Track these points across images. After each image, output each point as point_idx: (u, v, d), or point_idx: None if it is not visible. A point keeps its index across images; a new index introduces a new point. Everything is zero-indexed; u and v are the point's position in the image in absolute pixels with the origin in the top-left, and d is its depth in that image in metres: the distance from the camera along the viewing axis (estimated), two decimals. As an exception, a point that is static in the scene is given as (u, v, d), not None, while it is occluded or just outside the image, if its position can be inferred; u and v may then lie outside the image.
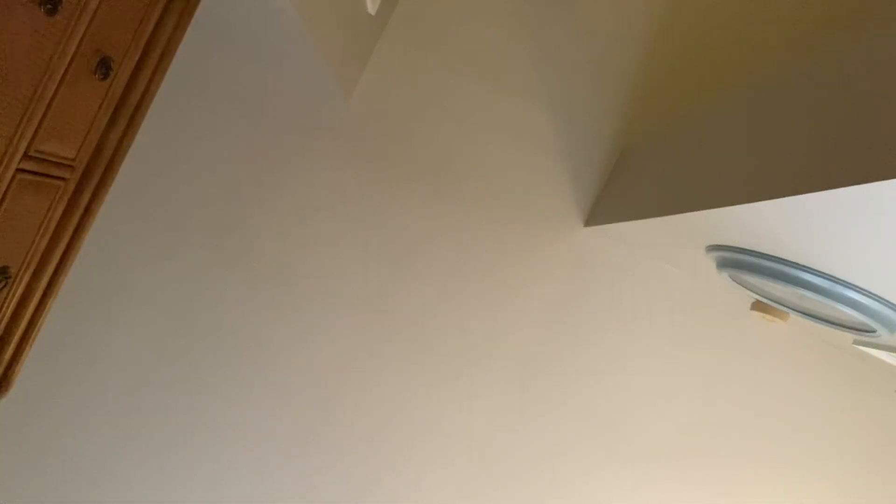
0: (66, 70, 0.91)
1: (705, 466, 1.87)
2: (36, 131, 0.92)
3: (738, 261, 1.12)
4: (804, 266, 0.98)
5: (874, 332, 1.06)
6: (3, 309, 1.07)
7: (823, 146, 0.69)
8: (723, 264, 1.19)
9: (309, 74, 1.74)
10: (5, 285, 1.02)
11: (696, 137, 1.21)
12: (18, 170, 0.92)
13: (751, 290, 1.29)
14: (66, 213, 1.11)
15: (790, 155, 0.76)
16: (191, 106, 1.79)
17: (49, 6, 0.80)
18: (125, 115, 1.12)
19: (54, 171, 1.03)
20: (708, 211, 0.94)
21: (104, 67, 0.98)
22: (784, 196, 0.71)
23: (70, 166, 1.06)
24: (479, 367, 1.83)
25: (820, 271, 0.96)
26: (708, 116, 1.20)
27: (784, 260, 1.01)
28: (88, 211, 1.14)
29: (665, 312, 1.85)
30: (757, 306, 1.33)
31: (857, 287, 0.94)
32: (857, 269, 0.88)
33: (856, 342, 1.45)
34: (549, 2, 1.80)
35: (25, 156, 0.92)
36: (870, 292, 0.94)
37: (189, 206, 1.80)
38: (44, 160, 0.98)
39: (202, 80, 1.79)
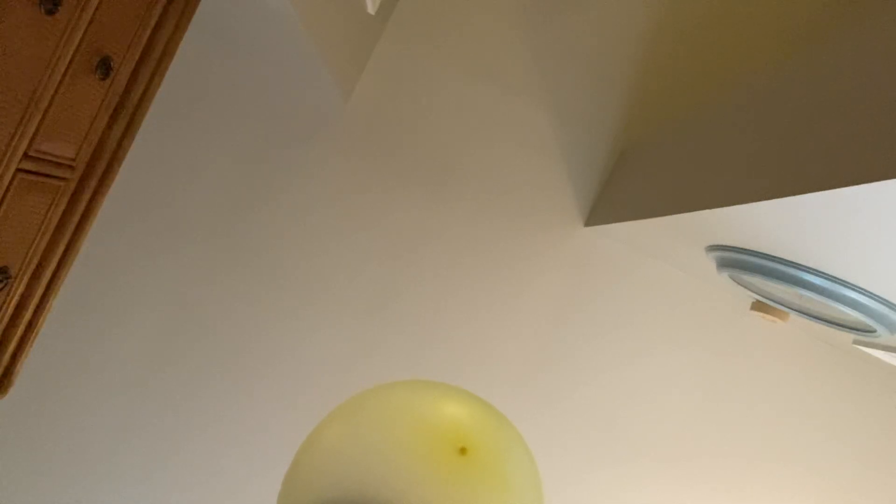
0: (66, 70, 0.91)
1: (705, 466, 1.87)
2: (36, 131, 0.92)
3: (738, 261, 1.12)
4: (804, 266, 0.98)
5: (874, 332, 1.06)
6: (3, 309, 1.07)
7: (823, 146, 0.69)
8: (723, 264, 1.19)
9: (308, 75, 1.74)
10: (5, 285, 1.02)
11: (696, 137, 1.21)
12: (18, 170, 0.92)
13: (751, 290, 1.29)
14: (66, 214, 1.11)
15: (790, 155, 0.76)
16: (191, 106, 1.79)
17: (49, 6, 0.80)
18: (125, 115, 1.12)
19: (54, 171, 1.03)
20: (708, 211, 0.94)
21: (104, 67, 0.98)
22: (784, 196, 0.71)
23: (70, 166, 1.06)
24: (480, 367, 1.83)
25: (820, 271, 0.96)
26: (708, 117, 1.20)
27: (784, 260, 1.01)
28: (88, 211, 1.14)
29: (665, 312, 1.85)
30: (757, 306, 1.33)
31: (857, 287, 0.94)
32: (857, 269, 0.88)
33: (856, 342, 1.45)
34: (550, 2, 1.80)
35: (25, 156, 0.92)
36: (870, 292, 0.94)
37: (189, 206, 1.80)
38: (44, 160, 0.98)
39: (202, 80, 1.79)
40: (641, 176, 1.48)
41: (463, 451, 0.59)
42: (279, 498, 0.63)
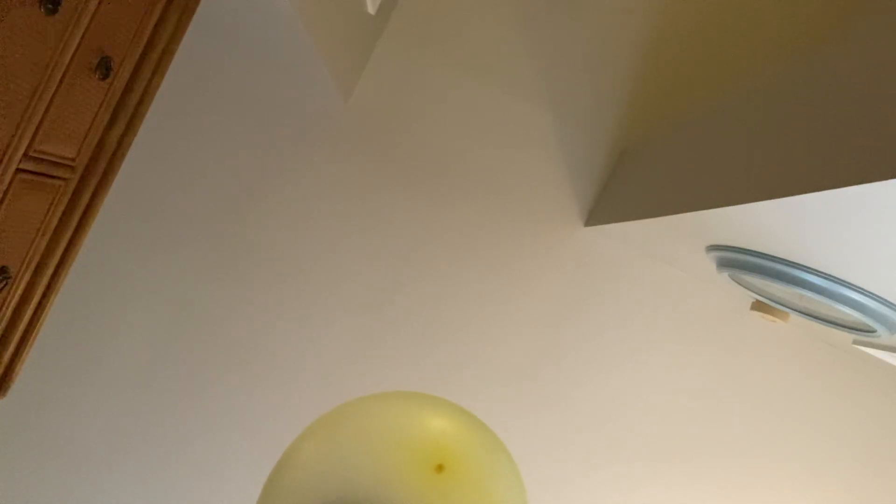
0: (66, 70, 0.91)
1: (705, 466, 1.87)
2: (36, 131, 0.92)
3: (738, 261, 1.12)
4: (804, 266, 0.98)
5: (874, 332, 1.06)
6: (3, 309, 1.07)
7: (823, 146, 0.69)
8: (723, 264, 1.19)
9: (309, 74, 1.74)
10: (5, 285, 1.02)
11: (695, 137, 1.21)
12: (18, 170, 0.92)
13: (751, 290, 1.29)
14: (66, 213, 1.11)
15: (790, 155, 0.76)
16: (191, 106, 1.79)
17: (49, 6, 0.80)
18: (125, 115, 1.12)
19: (54, 171, 1.03)
20: (708, 211, 0.94)
21: (104, 67, 0.98)
22: (784, 196, 0.71)
23: (70, 166, 1.06)
24: (480, 367, 1.83)
25: (820, 271, 0.96)
26: (707, 117, 1.20)
27: (784, 260, 1.01)
28: (88, 211, 1.15)
29: (665, 312, 1.85)
30: (757, 306, 1.33)
31: (857, 287, 0.94)
32: (857, 269, 0.88)
33: (856, 342, 1.45)
34: (550, 2, 1.80)
35: (25, 156, 0.92)
36: (870, 292, 0.94)
37: (189, 206, 1.80)
38: (44, 160, 0.98)
39: (202, 80, 1.79)
40: (641, 176, 1.48)
41: (440, 468, 0.58)
42: None
